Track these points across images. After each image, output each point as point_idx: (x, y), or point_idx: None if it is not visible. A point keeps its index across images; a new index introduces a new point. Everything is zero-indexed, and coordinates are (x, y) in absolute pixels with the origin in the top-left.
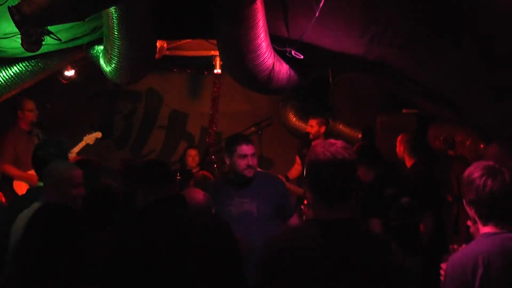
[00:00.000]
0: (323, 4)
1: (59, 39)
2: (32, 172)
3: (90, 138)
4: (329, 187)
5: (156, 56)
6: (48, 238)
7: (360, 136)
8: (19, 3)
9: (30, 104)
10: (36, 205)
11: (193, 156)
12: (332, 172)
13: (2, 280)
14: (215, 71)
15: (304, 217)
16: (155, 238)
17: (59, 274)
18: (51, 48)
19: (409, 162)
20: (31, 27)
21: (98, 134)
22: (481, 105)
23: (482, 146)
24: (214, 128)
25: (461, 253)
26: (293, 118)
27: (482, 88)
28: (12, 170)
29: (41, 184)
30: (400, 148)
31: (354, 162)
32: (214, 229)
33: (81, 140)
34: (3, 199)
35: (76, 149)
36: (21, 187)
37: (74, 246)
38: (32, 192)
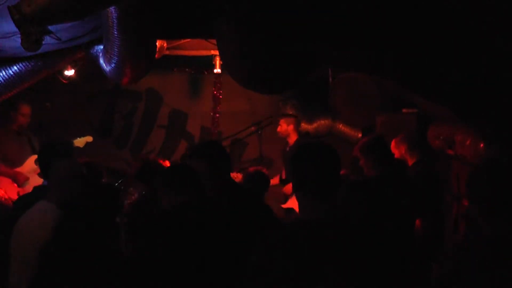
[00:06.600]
0: None
1: (59, 39)
2: (19, 169)
3: (80, 141)
4: (312, 181)
5: (156, 55)
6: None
7: (360, 136)
8: (19, 2)
9: (25, 109)
10: (41, 203)
11: None
12: (315, 166)
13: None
14: (215, 71)
15: None
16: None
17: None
18: (51, 48)
19: (410, 162)
20: (31, 26)
21: (89, 138)
22: None
23: (482, 145)
24: (217, 127)
25: None
26: None
27: None
28: None
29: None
30: (400, 149)
31: (336, 158)
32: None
33: None
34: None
35: None
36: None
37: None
38: (36, 191)
